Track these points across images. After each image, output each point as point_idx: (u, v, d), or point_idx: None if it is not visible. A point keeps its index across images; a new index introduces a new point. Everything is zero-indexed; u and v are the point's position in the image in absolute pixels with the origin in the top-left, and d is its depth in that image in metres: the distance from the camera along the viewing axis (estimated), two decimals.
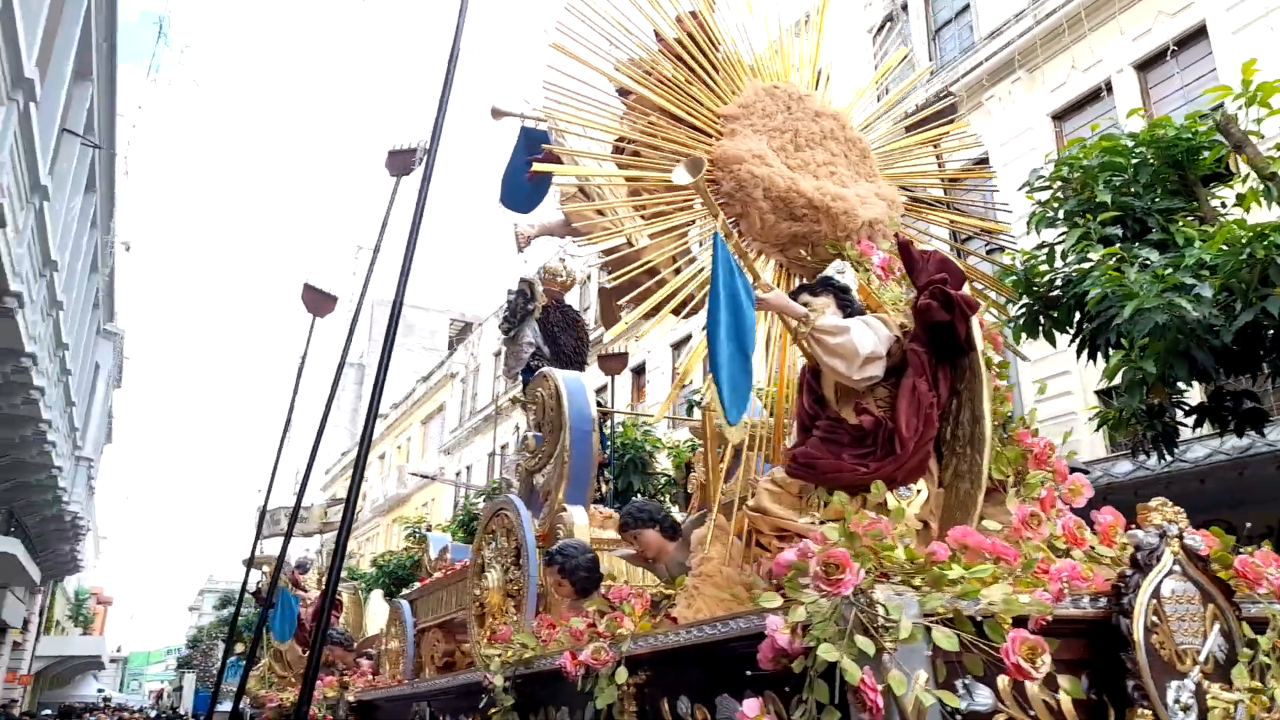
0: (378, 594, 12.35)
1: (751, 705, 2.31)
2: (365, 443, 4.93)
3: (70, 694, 31.15)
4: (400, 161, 6.37)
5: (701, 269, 3.95)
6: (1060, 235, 5.60)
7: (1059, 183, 5.70)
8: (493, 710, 4.32)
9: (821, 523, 3.10)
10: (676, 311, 4.05)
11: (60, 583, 29.60)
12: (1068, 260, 5.47)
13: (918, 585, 2.20)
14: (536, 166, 4.04)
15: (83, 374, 17.10)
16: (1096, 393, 9.82)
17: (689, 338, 18.82)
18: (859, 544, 2.28)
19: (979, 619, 2.15)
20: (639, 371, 19.97)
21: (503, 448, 22.23)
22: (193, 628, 47.81)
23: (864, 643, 2.12)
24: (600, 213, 4.14)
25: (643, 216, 4.07)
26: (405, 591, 8.48)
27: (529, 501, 5.51)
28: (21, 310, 9.07)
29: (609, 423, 7.65)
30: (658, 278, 3.96)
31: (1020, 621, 2.21)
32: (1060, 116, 12.43)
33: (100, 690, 35.13)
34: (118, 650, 51.45)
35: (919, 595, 2.15)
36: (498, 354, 28.31)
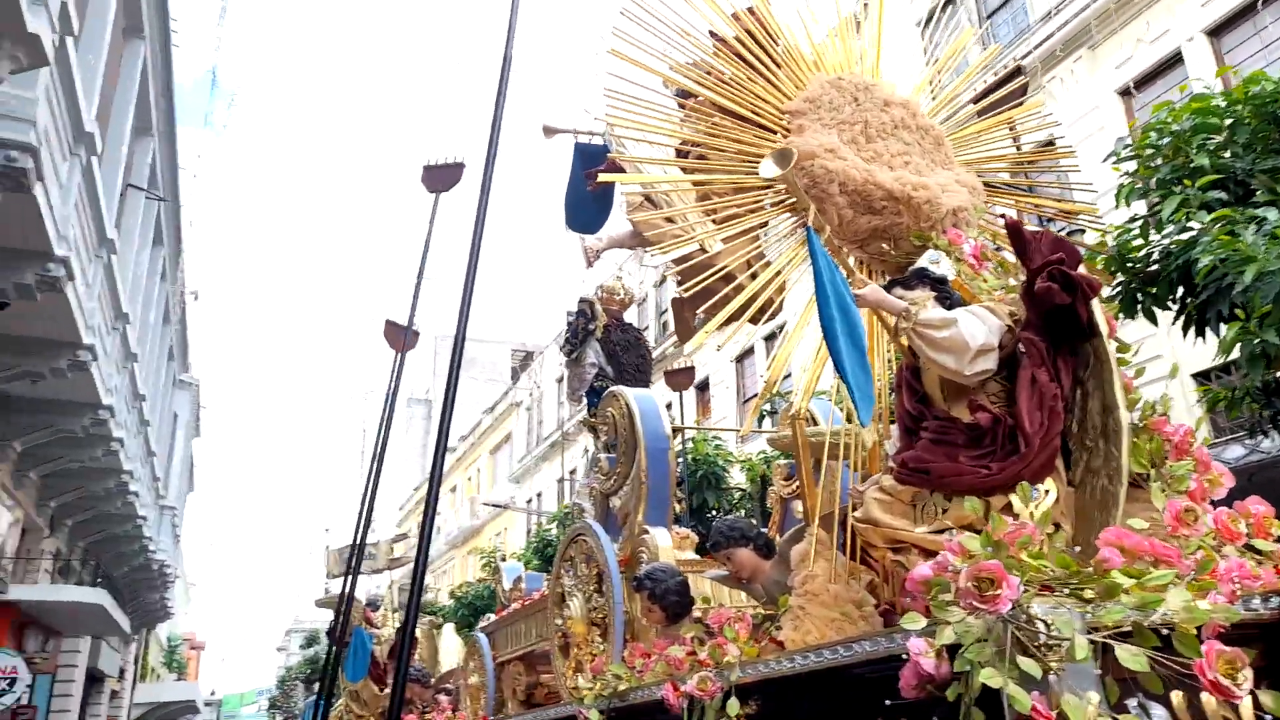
0: (449, 628, 12.25)
1: None
2: (436, 477, 4.80)
3: None
4: (440, 177, 6.06)
5: (777, 272, 3.74)
6: (1155, 206, 5.25)
7: (1149, 150, 5.34)
8: None
9: (940, 532, 2.86)
10: (755, 319, 3.85)
11: (153, 630, 30.30)
12: (1165, 231, 5.11)
13: (1083, 596, 1.94)
14: (601, 177, 3.88)
15: (161, 424, 17.50)
16: (1194, 375, 9.30)
17: (751, 351, 18.50)
18: (1006, 554, 2.03)
19: (1163, 631, 1.88)
20: (703, 388, 19.70)
21: (571, 473, 22.17)
22: (281, 668, 48.59)
23: (1028, 664, 1.87)
24: (669, 220, 3.96)
25: (714, 221, 3.87)
26: (482, 624, 8.33)
27: (606, 525, 5.32)
28: (96, 363, 9.24)
29: (680, 439, 7.44)
30: (734, 284, 3.76)
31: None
32: (1128, 92, 11.92)
33: None
34: (211, 694, 52.49)
35: (1086, 608, 1.89)
36: (560, 380, 28.36)
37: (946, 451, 2.85)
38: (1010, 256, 3.52)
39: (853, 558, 3.42)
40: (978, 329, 2.83)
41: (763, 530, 3.98)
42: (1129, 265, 5.27)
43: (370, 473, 9.63)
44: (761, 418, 10.69)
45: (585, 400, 6.50)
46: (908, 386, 3.20)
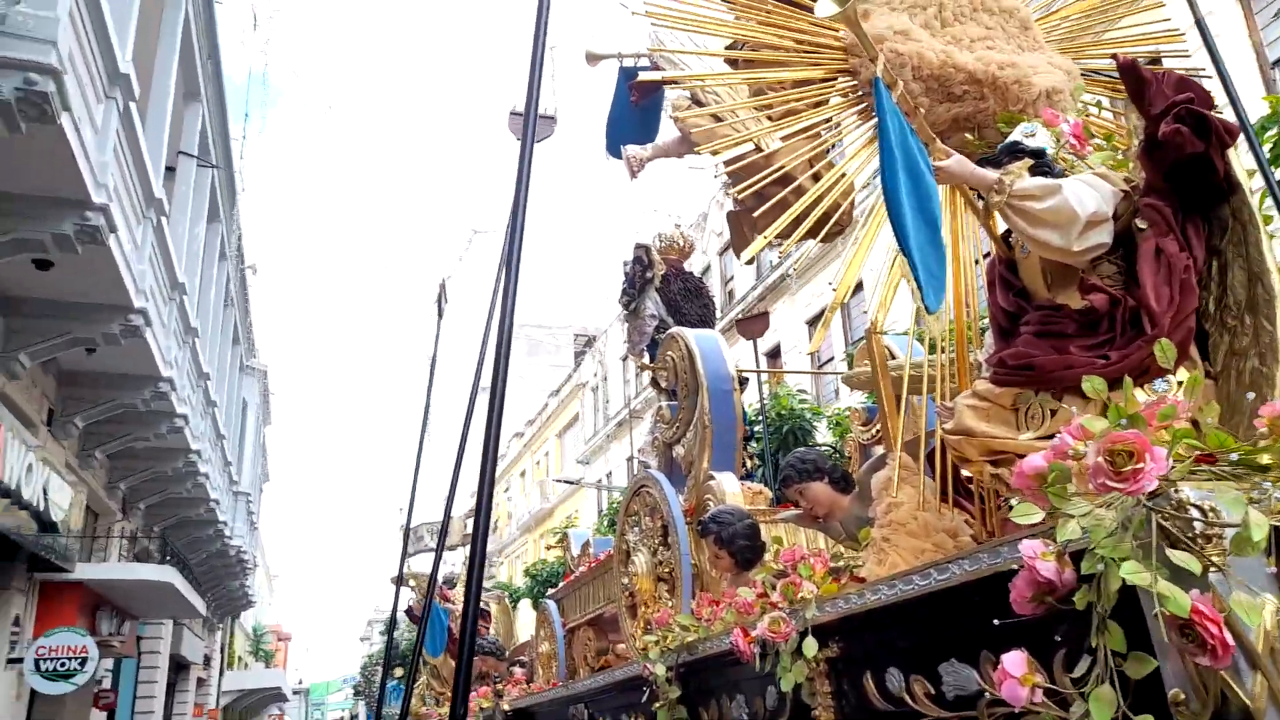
0: (526, 603, 12.11)
1: (1016, 659, 1.68)
2: (493, 437, 4.53)
3: None
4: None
5: (842, 175, 3.34)
6: None
7: None
8: (657, 705, 3.80)
9: (1049, 438, 2.45)
10: (816, 230, 3.45)
11: (237, 619, 31.09)
12: None
13: (1252, 471, 1.53)
14: (643, 76, 3.52)
15: (230, 408, 17.70)
16: None
17: (821, 314, 17.78)
18: (1146, 430, 1.63)
19: None
20: (773, 355, 19.10)
21: (639, 450, 21.87)
22: (364, 656, 49.64)
23: (1181, 558, 1.47)
24: (717, 119, 3.59)
25: (769, 118, 3.49)
26: (551, 592, 8.10)
27: (670, 476, 4.98)
28: (150, 329, 9.07)
29: (756, 388, 7.01)
30: (794, 185, 3.37)
31: None
32: None
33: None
34: (299, 682, 53.93)
35: (1256, 487, 1.49)
36: (624, 358, 28.12)
37: (1054, 344, 2.44)
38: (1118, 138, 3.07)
39: (944, 485, 3.03)
40: (1088, 195, 2.40)
41: (839, 463, 3.59)
42: None
43: (418, 452, 9.48)
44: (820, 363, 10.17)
45: (647, 355, 6.18)
46: (1001, 282, 2.79)
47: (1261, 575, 1.54)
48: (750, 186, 3.19)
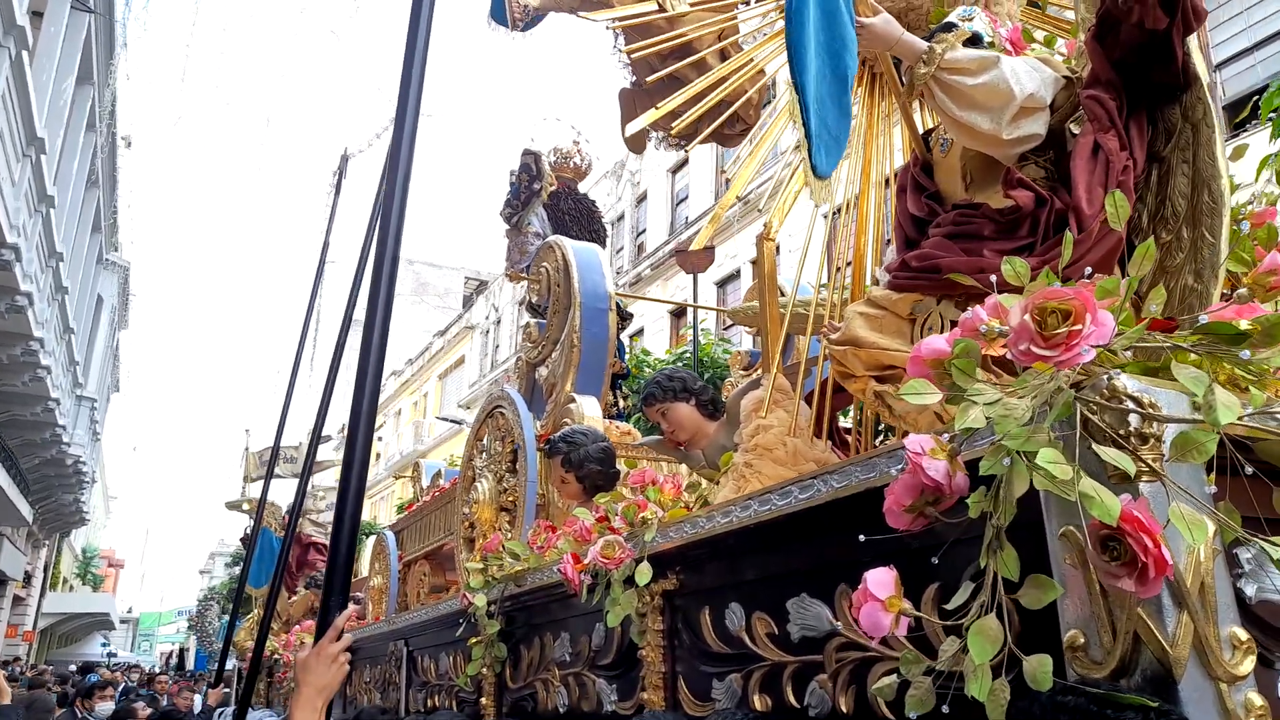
0: (374, 539, 11.51)
1: (883, 576, 1.31)
2: (377, 338, 3.96)
3: (78, 653, 30.59)
4: None
5: (750, 60, 2.93)
6: None
7: None
8: (473, 640, 3.37)
9: None
10: (711, 123, 3.05)
11: (66, 537, 29.02)
12: None
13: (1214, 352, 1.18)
14: None
15: (82, 302, 16.16)
16: None
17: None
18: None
19: None
20: (721, 284, 18.47)
21: (503, 378, 21.27)
22: (203, 589, 47.53)
23: (1113, 456, 1.12)
24: None
25: None
26: (390, 524, 7.54)
27: (530, 401, 4.54)
28: None
29: (687, 329, 6.53)
30: (696, 57, 2.95)
31: None
32: None
33: (104, 645, 34.58)
34: (129, 611, 51.31)
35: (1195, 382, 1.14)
36: (521, 302, 27.39)
37: (966, 246, 2.09)
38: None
39: (820, 410, 2.68)
40: (1026, 75, 2.05)
41: (710, 387, 3.20)
42: None
43: (292, 372, 8.73)
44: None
45: (527, 274, 5.68)
46: (913, 185, 2.44)
47: (1199, 493, 1.20)
48: (648, 48, 2.74)
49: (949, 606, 1.35)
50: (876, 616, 1.31)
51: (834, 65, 1.99)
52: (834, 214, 2.88)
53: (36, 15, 10.02)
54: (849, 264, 2.90)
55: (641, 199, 22.66)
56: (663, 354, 13.12)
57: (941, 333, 2.12)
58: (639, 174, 22.85)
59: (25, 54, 8.43)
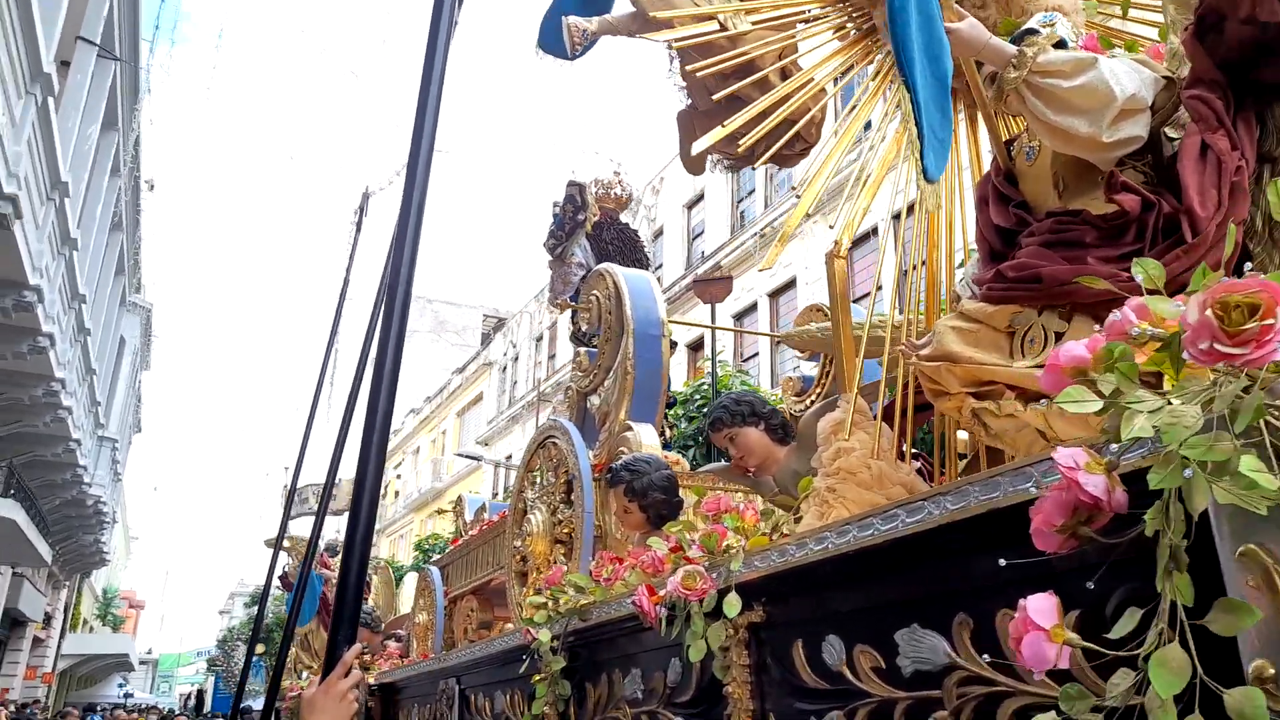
0: (413, 576, 11.39)
1: (1044, 603, 1.21)
2: (388, 380, 3.92)
3: (97, 695, 30.40)
4: None
5: (811, 79, 2.88)
6: None
7: None
8: (536, 677, 3.26)
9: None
10: (783, 159, 3.00)
11: (87, 578, 28.99)
12: None
13: None
14: None
15: (105, 342, 16.26)
16: None
17: (793, 284, 16.94)
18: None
19: None
20: (739, 316, 18.43)
21: (552, 411, 21.18)
22: (223, 630, 47.35)
23: None
24: None
25: None
26: (436, 558, 7.43)
27: (582, 431, 4.46)
28: (20, 224, 7.95)
29: (704, 362, 6.52)
30: (758, 75, 2.90)
31: None
32: None
33: (121, 685, 34.30)
34: (148, 652, 51.15)
35: None
36: (539, 339, 27.37)
37: (1066, 254, 2.00)
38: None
39: (904, 431, 2.59)
40: (1126, 76, 1.98)
41: (779, 410, 3.11)
42: None
43: (311, 409, 8.67)
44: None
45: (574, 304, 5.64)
46: (996, 196, 2.36)
47: None
48: (709, 67, 2.69)
49: (1111, 635, 1.25)
50: (1040, 647, 1.21)
51: (934, 68, 1.93)
52: (904, 228, 2.81)
53: (64, 64, 10.18)
54: (916, 274, 2.82)
55: (658, 234, 22.68)
56: (680, 385, 13.07)
57: (1043, 345, 2.05)
58: (654, 209, 22.91)
59: (51, 100, 8.58)
